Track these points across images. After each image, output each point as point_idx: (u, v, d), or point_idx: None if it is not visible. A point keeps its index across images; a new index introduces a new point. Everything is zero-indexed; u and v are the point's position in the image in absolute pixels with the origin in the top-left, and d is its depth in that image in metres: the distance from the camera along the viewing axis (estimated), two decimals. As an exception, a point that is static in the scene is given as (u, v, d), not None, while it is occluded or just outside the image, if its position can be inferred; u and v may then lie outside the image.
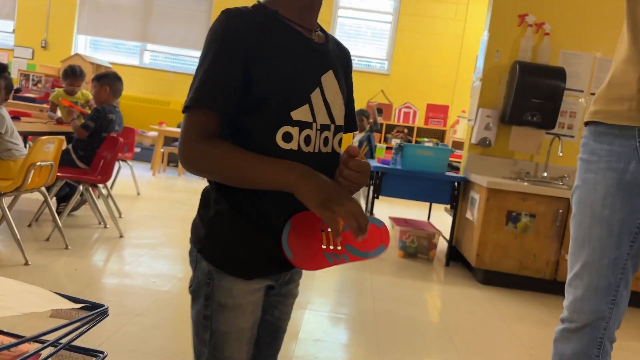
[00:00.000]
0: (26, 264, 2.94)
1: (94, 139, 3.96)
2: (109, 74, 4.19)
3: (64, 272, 2.95)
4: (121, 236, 3.82)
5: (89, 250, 3.42)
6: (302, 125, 0.98)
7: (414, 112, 8.18)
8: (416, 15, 8.44)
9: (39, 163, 3.04)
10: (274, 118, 0.96)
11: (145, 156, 8.09)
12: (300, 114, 0.98)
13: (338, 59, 1.08)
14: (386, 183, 4.19)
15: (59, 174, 3.61)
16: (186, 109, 0.94)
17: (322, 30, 1.07)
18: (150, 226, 4.35)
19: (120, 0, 8.84)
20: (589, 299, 1.46)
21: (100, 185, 4.23)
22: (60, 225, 3.39)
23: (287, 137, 0.97)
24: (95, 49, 9.13)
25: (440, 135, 8.14)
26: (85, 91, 5.12)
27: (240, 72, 0.93)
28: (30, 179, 3.01)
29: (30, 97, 7.15)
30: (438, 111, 8.13)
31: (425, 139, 8.04)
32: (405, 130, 8.11)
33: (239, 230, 0.99)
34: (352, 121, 1.15)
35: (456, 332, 2.81)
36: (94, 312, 0.86)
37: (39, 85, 7.44)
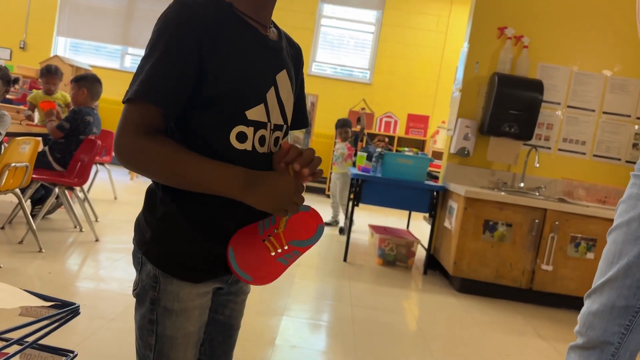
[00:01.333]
0: (-3, 266, 2.88)
1: (71, 141, 3.90)
2: (87, 76, 4.13)
3: (37, 275, 2.89)
4: (97, 240, 3.75)
5: (63, 254, 3.36)
6: (257, 125, 0.95)
7: (395, 122, 8.24)
8: (398, 27, 8.53)
9: (14, 164, 2.98)
10: (227, 117, 0.92)
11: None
12: (255, 113, 0.94)
13: (290, 57, 1.06)
14: (366, 191, 4.20)
15: (34, 176, 3.55)
16: (128, 100, 0.87)
17: (275, 26, 1.04)
18: (126, 230, 4.28)
19: (102, 3, 8.76)
20: (602, 316, 1.40)
21: (77, 189, 4.17)
22: (35, 228, 3.33)
23: (242, 137, 0.93)
24: (76, 52, 9.02)
25: (420, 145, 8.21)
26: (65, 93, 5.04)
27: (192, 66, 0.88)
28: (4, 180, 2.95)
29: (8, 99, 7.01)
30: (418, 121, 8.21)
31: (406, 149, 8.09)
32: (386, 140, 8.15)
33: (186, 232, 0.95)
34: (303, 118, 1.13)
35: (433, 339, 2.83)
36: (64, 310, 0.85)
37: (17, 86, 7.30)
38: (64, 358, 0.86)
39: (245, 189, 0.87)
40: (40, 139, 3.22)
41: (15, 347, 0.79)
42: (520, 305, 3.68)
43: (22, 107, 6.39)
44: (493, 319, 3.33)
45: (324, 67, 8.73)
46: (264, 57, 0.97)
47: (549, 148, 4.29)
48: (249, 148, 0.95)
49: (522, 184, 4.20)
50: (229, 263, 0.94)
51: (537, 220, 3.68)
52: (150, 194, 0.99)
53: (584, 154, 4.31)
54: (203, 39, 0.88)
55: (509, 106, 4.06)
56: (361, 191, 4.20)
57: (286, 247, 0.99)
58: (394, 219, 6.55)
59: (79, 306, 0.86)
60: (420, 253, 4.59)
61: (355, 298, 3.35)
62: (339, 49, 8.79)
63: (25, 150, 3.08)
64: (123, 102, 0.89)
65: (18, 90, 7.07)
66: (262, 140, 0.97)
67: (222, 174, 0.88)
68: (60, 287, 2.77)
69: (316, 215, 1.03)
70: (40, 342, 0.82)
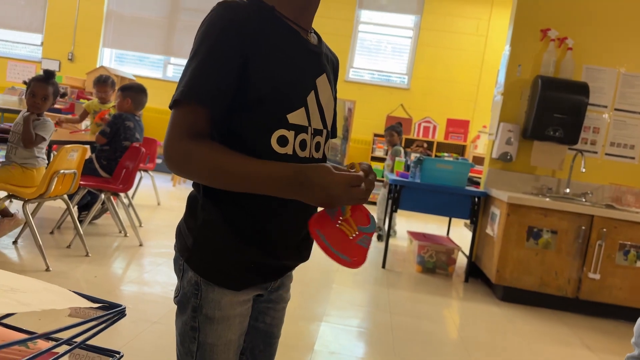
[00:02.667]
0: (47, 270, 2.99)
1: (115, 147, 4.02)
2: (133, 86, 4.25)
3: (83, 279, 2.98)
4: (141, 245, 3.85)
5: (108, 258, 3.46)
6: (298, 129, 0.94)
7: (434, 127, 8.14)
8: (437, 31, 8.44)
9: (62, 171, 3.09)
10: (269, 120, 0.91)
11: (166, 167, 8.18)
12: (297, 117, 0.94)
13: (330, 64, 1.06)
14: (405, 196, 4.16)
15: (81, 182, 3.67)
16: (175, 103, 0.88)
17: (314, 32, 1.03)
18: (168, 235, 4.38)
19: (145, 15, 9.03)
20: None
21: (122, 195, 4.30)
22: (82, 233, 3.44)
23: (283, 141, 0.93)
24: (121, 62, 9.32)
25: (460, 150, 8.08)
26: None
27: (236, 68, 0.88)
28: (53, 187, 3.07)
29: (57, 108, 7.31)
30: (458, 126, 8.09)
31: (445, 154, 8.00)
32: (425, 145, 8.07)
33: (228, 239, 0.94)
34: (332, 128, 1.09)
35: (475, 349, 2.76)
36: (111, 311, 0.87)
37: (65, 96, 7.59)
38: (111, 359, 0.88)
39: (300, 189, 0.85)
40: (87, 146, 3.33)
41: (65, 347, 0.82)
42: (565, 315, 3.56)
43: (70, 116, 6.64)
44: (537, 328, 3.23)
45: (362, 73, 8.72)
46: (305, 60, 0.97)
47: (596, 152, 4.15)
48: (290, 152, 0.94)
49: (567, 190, 4.07)
50: (322, 245, 0.88)
51: (583, 227, 3.56)
52: (191, 200, 0.99)
53: (633, 158, 4.14)
54: (246, 41, 0.88)
55: (553, 110, 3.95)
56: (400, 197, 4.16)
57: (357, 233, 0.96)
58: (433, 225, 6.46)
59: (124, 308, 0.88)
60: (462, 260, 4.51)
61: (394, 305, 3.31)
62: (377, 54, 8.76)
63: (73, 158, 3.19)
64: (170, 107, 0.90)
65: (66, 100, 7.35)
66: (303, 145, 0.96)
67: (272, 174, 0.86)
68: (106, 290, 2.85)
69: (361, 205, 0.98)
70: (88, 342, 0.85)
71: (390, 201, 4.40)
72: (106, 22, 9.09)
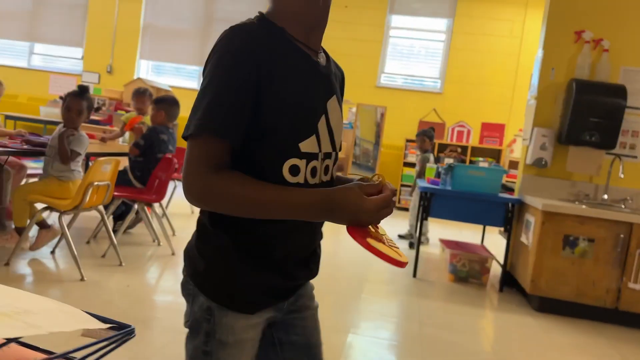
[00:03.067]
0: (82, 279, 3.07)
1: (149, 159, 4.12)
2: (166, 98, 4.35)
3: (116, 288, 3.06)
4: (173, 254, 3.92)
5: (141, 268, 3.53)
6: (309, 156, 0.94)
7: (468, 131, 8.01)
8: (470, 34, 8.32)
9: (96, 183, 3.19)
10: (281, 149, 0.90)
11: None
12: (308, 145, 0.93)
13: (337, 81, 1.04)
14: (435, 204, 4.10)
15: (116, 193, 3.77)
16: (190, 137, 0.85)
17: (323, 51, 1.02)
18: (201, 244, 4.44)
19: (179, 26, 9.24)
20: None
21: (156, 204, 4.41)
22: (115, 242, 3.53)
23: (295, 170, 0.92)
24: (157, 73, 9.55)
25: (496, 154, 7.92)
26: None
27: (250, 98, 0.86)
28: (88, 198, 3.16)
29: (95, 120, 7.55)
30: (493, 130, 7.93)
31: (480, 159, 7.86)
32: (459, 150, 7.95)
33: (239, 264, 0.94)
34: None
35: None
36: (120, 332, 0.88)
37: (103, 108, 7.84)
38: (121, 379, 0.89)
39: (330, 215, 0.86)
40: (119, 158, 3.42)
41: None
42: (604, 327, 3.42)
43: (108, 127, 6.85)
44: (574, 340, 3.12)
45: (394, 78, 8.67)
46: (316, 85, 0.96)
47: (635, 157, 3.99)
48: (301, 181, 0.94)
49: (605, 196, 3.93)
50: (376, 252, 0.87)
51: (622, 235, 3.42)
52: (201, 226, 0.98)
53: (677, 162, 3.97)
54: (260, 67, 0.87)
55: (589, 114, 3.83)
56: (430, 204, 4.10)
57: (385, 235, 0.95)
58: (468, 232, 6.34)
59: (133, 329, 0.89)
60: (496, 269, 4.41)
61: (425, 316, 3.26)
62: (409, 59, 8.70)
63: (107, 170, 3.28)
64: (184, 138, 0.87)
65: (104, 112, 7.59)
66: (313, 172, 0.95)
67: (300, 203, 0.86)
68: (138, 299, 2.91)
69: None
70: (99, 362, 0.87)
71: (421, 208, 4.34)
72: (142, 34, 9.34)
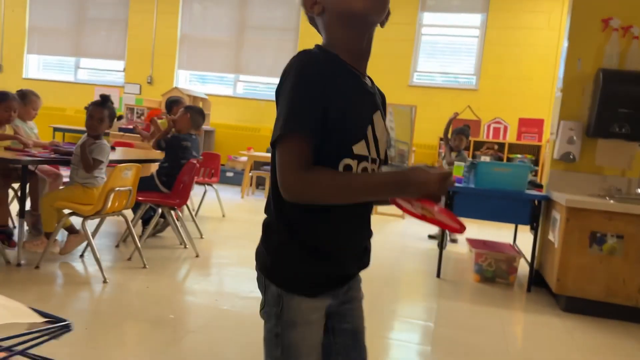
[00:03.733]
0: (105, 281, 3.20)
1: (174, 165, 4.25)
2: (195, 107, 4.60)
3: (136, 289, 3.17)
4: (197, 256, 4.02)
5: (164, 270, 3.64)
6: (360, 158, 1.09)
7: (505, 128, 7.80)
8: (505, 28, 8.10)
9: (117, 188, 3.31)
10: (338, 150, 1.06)
11: (237, 180, 8.48)
12: (359, 148, 1.08)
13: (380, 101, 1.20)
14: (458, 202, 4.01)
15: (141, 198, 3.91)
16: (280, 137, 1.00)
17: (368, 77, 1.19)
18: (227, 247, 4.54)
19: (214, 36, 9.46)
20: None
21: (186, 208, 4.56)
22: (139, 246, 3.66)
23: (348, 169, 1.07)
24: (194, 82, 9.82)
25: (535, 150, 7.67)
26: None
27: (322, 106, 1.02)
28: (110, 204, 3.29)
29: (131, 128, 7.84)
30: (532, 125, 7.69)
31: (518, 155, 7.64)
32: (496, 147, 7.75)
33: (301, 257, 1.09)
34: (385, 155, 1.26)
35: (521, 363, 2.60)
36: (56, 325, 0.93)
37: (142, 117, 8.14)
38: (59, 369, 0.94)
39: (406, 187, 1.00)
40: (140, 165, 3.54)
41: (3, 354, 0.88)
42: (634, 327, 3.25)
43: (144, 130, 7.07)
44: (600, 342, 2.98)
45: (427, 77, 8.56)
46: (364, 99, 1.13)
47: (671, 148, 3.78)
48: None
49: (639, 190, 3.74)
50: (432, 220, 1.03)
51: (654, 231, 3.25)
52: (266, 226, 1.14)
53: None
54: (327, 84, 1.03)
55: (617, 104, 3.66)
56: (453, 203, 4.02)
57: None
58: (500, 231, 6.17)
59: (69, 323, 0.93)
60: (525, 269, 4.27)
61: (447, 317, 3.20)
62: (442, 56, 8.56)
63: (128, 176, 3.40)
64: (273, 143, 1.02)
65: (143, 121, 7.86)
66: (364, 172, 1.11)
67: (387, 182, 1.02)
68: (155, 300, 3.01)
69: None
70: (36, 353, 0.92)
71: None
72: (180, 45, 9.63)
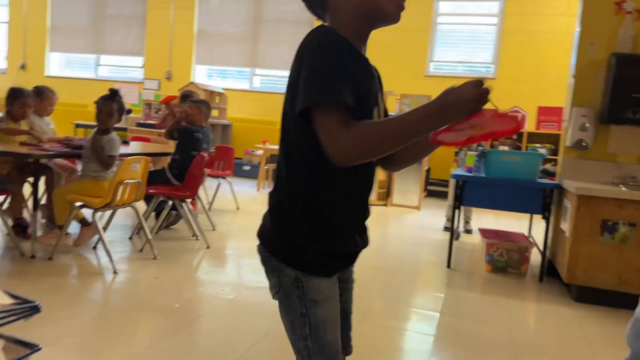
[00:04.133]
0: (115, 272, 3.27)
1: (185, 157, 4.31)
2: (204, 101, 4.70)
3: (144, 280, 3.23)
4: (208, 247, 4.07)
5: (175, 261, 3.70)
6: None
7: (523, 117, 7.63)
8: (523, 15, 7.94)
9: (126, 181, 3.38)
10: None
11: (254, 173, 8.54)
12: None
13: (379, 84, 1.22)
14: (468, 192, 3.97)
15: (152, 191, 3.98)
16: (318, 103, 0.98)
17: None
18: (239, 239, 4.58)
19: (231, 30, 9.51)
20: None
21: (199, 201, 4.63)
22: (151, 237, 3.72)
23: None
24: (211, 77, 9.90)
25: (554, 139, 7.51)
26: None
27: (349, 73, 1.02)
28: (119, 196, 3.36)
29: (151, 124, 7.96)
30: (551, 114, 7.52)
31: (537, 145, 7.49)
32: (514, 136, 7.62)
33: (315, 238, 1.11)
34: None
35: (525, 354, 2.57)
36: (25, 306, 0.96)
37: (159, 112, 8.24)
38: (30, 350, 0.98)
39: (448, 108, 0.94)
40: (149, 157, 3.60)
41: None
42: (647, 318, 3.18)
43: (162, 130, 7.18)
44: (608, 332, 2.93)
45: (444, 66, 8.45)
46: (372, 81, 1.15)
47: (689, 134, 3.66)
48: None
49: (654, 178, 3.64)
50: (479, 137, 0.98)
51: (667, 219, 3.16)
52: (276, 209, 1.15)
53: None
54: (347, 59, 1.03)
55: (631, 89, 3.57)
56: (463, 192, 3.98)
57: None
58: (518, 222, 6.08)
59: (38, 304, 0.97)
60: (539, 259, 4.20)
61: (450, 307, 3.18)
62: (459, 45, 8.44)
63: (136, 169, 3.47)
64: (302, 111, 0.99)
65: (160, 116, 7.96)
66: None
67: (428, 110, 0.96)
68: (162, 290, 3.06)
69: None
70: (10, 335, 0.95)
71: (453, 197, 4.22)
72: (197, 40, 9.71)
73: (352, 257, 1.22)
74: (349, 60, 1.02)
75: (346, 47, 1.04)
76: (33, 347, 0.97)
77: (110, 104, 3.51)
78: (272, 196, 1.16)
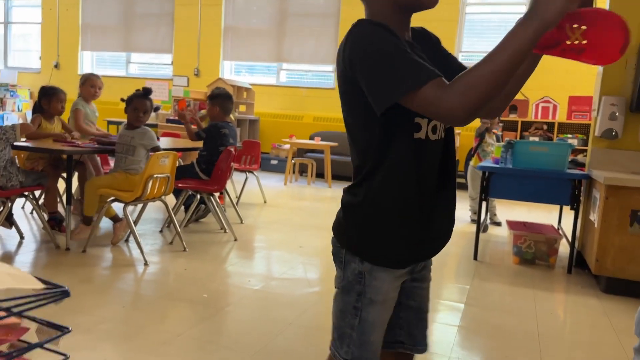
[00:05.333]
0: (146, 264, 3.38)
1: (212, 152, 4.39)
2: (220, 94, 4.60)
3: (174, 271, 3.33)
4: (235, 240, 4.16)
5: (204, 253, 3.79)
6: (422, 117, 1.10)
7: (554, 107, 7.51)
8: (553, 2, 7.76)
9: (155, 175, 3.48)
10: (408, 110, 1.03)
11: (282, 168, 8.61)
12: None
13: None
14: (495, 184, 3.94)
15: (181, 185, 4.08)
16: (410, 92, 0.96)
17: None
18: (265, 231, 4.65)
19: (257, 26, 9.59)
20: None
21: (228, 195, 4.71)
22: (180, 230, 3.83)
23: (417, 127, 1.10)
24: (243, 73, 10.01)
25: (586, 130, 7.35)
26: None
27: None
28: (149, 190, 3.46)
29: (171, 119, 8.11)
30: (583, 104, 7.35)
31: (569, 135, 7.34)
32: (545, 127, 7.49)
33: (388, 228, 1.14)
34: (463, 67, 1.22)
35: (550, 344, 2.56)
36: (55, 290, 1.03)
37: (158, 110, 8.39)
38: (60, 332, 1.04)
39: (540, 17, 0.88)
40: (177, 152, 3.70)
41: (14, 319, 0.99)
42: (679, 310, 3.11)
43: (192, 126, 7.31)
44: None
45: (473, 57, 8.34)
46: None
47: None
48: (423, 137, 1.11)
49: (688, 167, 3.55)
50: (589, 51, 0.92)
51: (700, 209, 3.08)
52: (350, 201, 1.17)
53: None
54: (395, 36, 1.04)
55: (663, 76, 3.47)
56: (489, 184, 3.95)
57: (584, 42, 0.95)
58: (545, 213, 5.99)
59: (67, 289, 1.03)
60: (567, 250, 4.14)
61: (475, 298, 3.18)
62: (487, 35, 8.32)
63: (165, 163, 3.56)
64: (386, 106, 0.99)
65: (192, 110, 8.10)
66: (434, 130, 1.13)
67: (519, 32, 0.91)
68: (192, 281, 3.15)
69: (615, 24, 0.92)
70: (43, 318, 1.02)
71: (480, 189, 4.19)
72: (224, 36, 9.83)
73: (425, 251, 1.22)
74: (396, 40, 1.01)
75: (391, 30, 1.04)
76: (63, 330, 1.03)
77: (145, 101, 3.63)
78: (346, 189, 1.20)
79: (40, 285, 1.04)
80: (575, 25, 0.92)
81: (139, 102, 3.66)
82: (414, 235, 1.15)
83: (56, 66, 11.09)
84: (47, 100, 4.11)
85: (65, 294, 1.05)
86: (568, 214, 4.68)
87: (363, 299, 1.15)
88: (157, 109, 3.89)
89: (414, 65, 0.98)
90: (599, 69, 4.02)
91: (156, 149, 3.66)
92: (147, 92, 3.72)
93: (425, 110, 0.99)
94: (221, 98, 4.50)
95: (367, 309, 1.15)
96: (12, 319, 1.11)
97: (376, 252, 1.15)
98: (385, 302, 1.17)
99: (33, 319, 1.08)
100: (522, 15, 0.92)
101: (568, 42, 0.94)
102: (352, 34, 1.05)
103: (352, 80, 1.06)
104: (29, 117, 10.40)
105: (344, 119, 1.17)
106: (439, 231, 1.22)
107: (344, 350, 1.19)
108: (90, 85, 4.54)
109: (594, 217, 3.53)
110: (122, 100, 3.70)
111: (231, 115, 5.47)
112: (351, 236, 1.17)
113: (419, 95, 0.97)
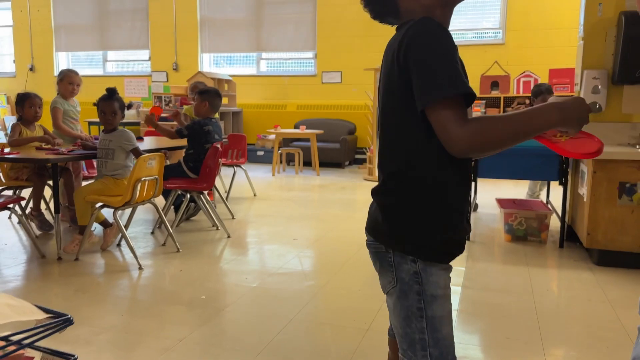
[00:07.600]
0: (140, 268, 3.35)
1: (199, 151, 4.35)
2: (210, 90, 4.55)
3: (169, 274, 3.31)
4: (229, 236, 4.14)
5: (197, 253, 3.77)
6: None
7: (535, 81, 7.52)
8: (529, -24, 7.76)
9: (143, 178, 3.43)
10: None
11: (269, 159, 8.57)
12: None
13: None
14: (482, 164, 3.96)
15: (170, 185, 4.04)
16: (442, 97, 1.02)
17: None
18: (258, 225, 4.64)
19: (234, 16, 9.46)
20: None
21: (217, 192, 4.67)
22: (172, 231, 3.80)
23: None
24: (222, 65, 9.89)
25: (568, 102, 7.40)
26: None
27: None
28: (138, 194, 3.42)
29: (163, 117, 8.01)
30: (563, 76, 7.40)
31: (551, 109, 7.39)
32: (527, 101, 7.52)
33: (435, 224, 1.16)
34: None
35: (548, 319, 2.60)
36: (58, 320, 1.01)
37: (170, 105, 8.30)
38: None
39: (559, 113, 1.07)
40: (163, 153, 3.66)
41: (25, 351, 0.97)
42: (670, 277, 3.18)
43: (174, 123, 7.23)
44: (631, 294, 2.93)
45: (452, 35, 8.33)
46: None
47: None
48: None
49: (671, 135, 3.59)
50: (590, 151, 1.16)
51: (686, 177, 3.13)
52: (391, 201, 1.19)
53: None
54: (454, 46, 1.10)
55: (643, 48, 3.50)
56: (477, 165, 3.97)
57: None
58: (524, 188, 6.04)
59: (69, 317, 1.01)
60: (558, 225, 4.19)
61: (471, 279, 3.21)
62: (464, 12, 8.31)
63: (152, 165, 3.52)
64: (426, 105, 1.05)
65: (172, 109, 8.01)
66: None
67: (536, 111, 1.07)
68: (188, 282, 3.14)
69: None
70: (47, 347, 1.01)
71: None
72: (201, 29, 9.69)
73: (463, 245, 1.25)
74: (455, 49, 1.07)
75: (451, 36, 1.09)
76: (69, 358, 1.02)
77: (112, 103, 3.56)
78: (382, 192, 1.20)
79: (42, 315, 1.03)
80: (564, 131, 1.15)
81: (105, 104, 3.61)
82: (463, 228, 1.20)
83: (31, 69, 10.86)
84: (21, 107, 4.05)
85: (68, 322, 1.03)
86: (556, 189, 4.74)
87: (425, 297, 1.16)
88: (129, 106, 3.83)
89: (454, 76, 1.03)
90: (579, 42, 4.04)
91: (136, 150, 3.60)
92: (111, 93, 3.64)
93: (438, 126, 1.04)
94: (211, 95, 4.47)
95: (431, 306, 1.16)
96: (13, 349, 1.09)
97: (432, 249, 1.16)
98: (446, 295, 1.19)
99: (37, 349, 1.06)
100: (552, 99, 1.09)
101: (553, 137, 1.16)
102: (417, 30, 1.08)
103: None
104: (8, 123, 10.22)
105: (386, 122, 1.18)
106: (470, 226, 1.27)
107: (420, 355, 1.18)
108: (68, 82, 4.47)
109: (583, 191, 3.57)
110: (94, 104, 3.64)
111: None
112: (400, 237, 1.18)
113: (441, 103, 1.02)
